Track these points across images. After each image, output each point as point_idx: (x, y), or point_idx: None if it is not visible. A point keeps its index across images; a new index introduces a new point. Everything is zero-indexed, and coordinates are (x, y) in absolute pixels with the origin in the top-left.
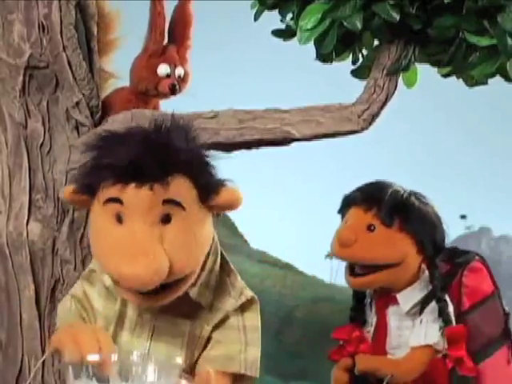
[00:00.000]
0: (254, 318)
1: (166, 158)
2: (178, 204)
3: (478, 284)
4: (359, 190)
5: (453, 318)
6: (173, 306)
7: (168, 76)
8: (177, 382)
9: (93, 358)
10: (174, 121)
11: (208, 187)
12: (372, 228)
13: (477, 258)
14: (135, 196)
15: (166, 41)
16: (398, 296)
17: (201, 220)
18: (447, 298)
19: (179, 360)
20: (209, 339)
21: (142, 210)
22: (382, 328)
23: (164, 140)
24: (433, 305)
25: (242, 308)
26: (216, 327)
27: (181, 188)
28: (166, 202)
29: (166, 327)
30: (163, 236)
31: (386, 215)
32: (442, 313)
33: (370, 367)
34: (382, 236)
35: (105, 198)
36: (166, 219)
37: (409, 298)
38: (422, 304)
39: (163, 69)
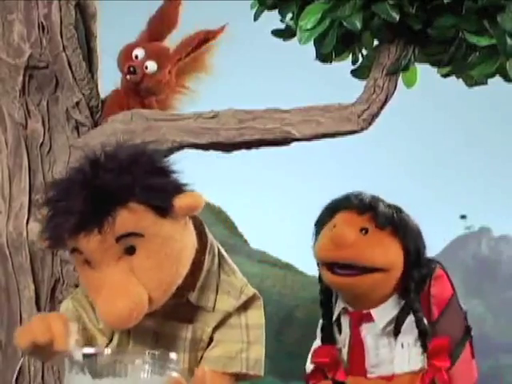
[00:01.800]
0: (257, 316)
1: (103, 201)
2: (131, 235)
3: (441, 291)
4: (347, 197)
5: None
6: (174, 311)
7: (136, 59)
8: (169, 375)
9: (87, 350)
10: (110, 152)
11: (160, 203)
12: (364, 231)
13: (438, 265)
14: (88, 244)
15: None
16: (373, 312)
17: (166, 235)
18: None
19: (173, 355)
20: (211, 339)
21: (101, 255)
22: (357, 347)
23: (97, 183)
24: (408, 322)
25: (245, 306)
26: (216, 327)
27: (129, 218)
28: (119, 238)
29: (168, 334)
30: (132, 266)
31: (383, 219)
32: (420, 324)
33: None
34: (376, 238)
35: (68, 249)
36: (130, 250)
37: (384, 313)
38: (397, 320)
39: (137, 51)
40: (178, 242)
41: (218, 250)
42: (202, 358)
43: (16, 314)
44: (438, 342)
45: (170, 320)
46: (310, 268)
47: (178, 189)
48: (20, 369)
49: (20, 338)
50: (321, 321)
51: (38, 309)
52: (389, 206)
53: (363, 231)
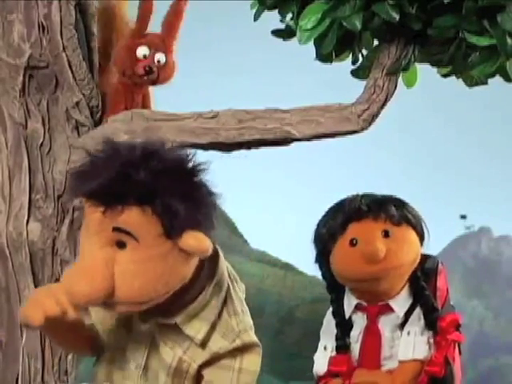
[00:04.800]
0: (252, 362)
1: (127, 189)
2: (128, 233)
3: (444, 285)
4: (352, 206)
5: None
6: (166, 331)
7: (145, 58)
8: None
9: None
10: (163, 155)
11: (169, 227)
12: (385, 233)
13: (439, 260)
14: (90, 214)
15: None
16: (392, 303)
17: (162, 255)
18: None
19: None
20: (199, 375)
21: (94, 230)
22: (373, 340)
23: (130, 172)
24: (417, 311)
25: (242, 350)
26: (205, 366)
27: (135, 219)
28: (116, 229)
29: (159, 347)
30: (115, 259)
31: (397, 216)
32: (429, 310)
33: (368, 381)
34: (399, 237)
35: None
36: (121, 245)
37: (402, 303)
38: (407, 309)
39: (142, 50)
40: (168, 266)
41: (228, 288)
42: None
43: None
44: (450, 317)
45: (162, 335)
46: (310, 268)
47: (195, 224)
48: (20, 369)
49: (30, 314)
50: (325, 323)
51: None
52: (387, 198)
53: (384, 233)
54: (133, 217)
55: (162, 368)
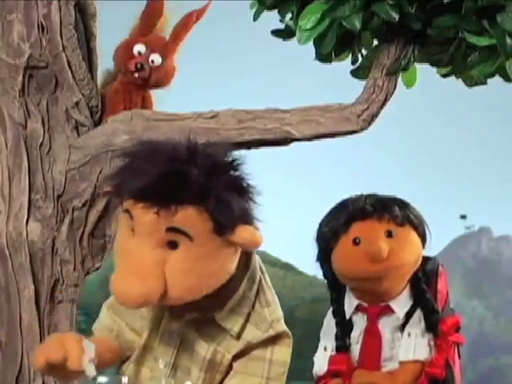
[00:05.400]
0: (283, 353)
1: (181, 188)
2: (183, 233)
3: (444, 287)
4: (357, 205)
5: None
6: (200, 325)
7: (140, 55)
8: None
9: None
10: (206, 151)
11: (223, 223)
12: (389, 233)
13: (439, 262)
14: (141, 216)
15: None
16: (392, 304)
17: (212, 252)
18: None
19: None
20: (231, 366)
21: (147, 232)
22: (374, 341)
23: (182, 170)
24: (418, 313)
25: (274, 341)
26: (238, 357)
27: (190, 218)
28: (170, 229)
29: (190, 343)
30: (166, 260)
31: (400, 217)
32: (429, 313)
33: (369, 382)
34: (402, 238)
35: (123, 207)
36: (173, 245)
37: (402, 304)
38: (408, 311)
39: (138, 48)
40: (217, 263)
41: (260, 280)
42: (221, 382)
43: (16, 314)
44: (451, 320)
45: (196, 331)
46: (310, 268)
47: (246, 218)
48: (20, 369)
49: (35, 357)
50: (325, 323)
51: (38, 309)
52: (391, 199)
53: (387, 234)
54: (188, 216)
55: (194, 363)
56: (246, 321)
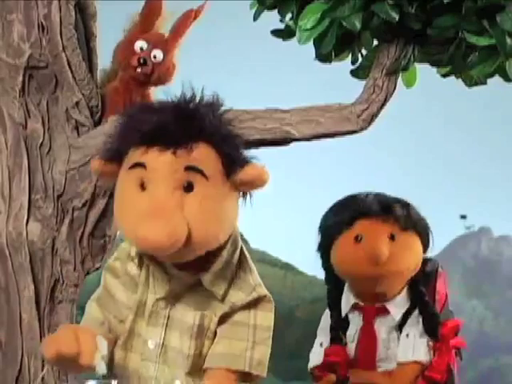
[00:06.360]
0: (266, 317)
1: (192, 125)
2: (200, 172)
3: (443, 289)
4: (363, 202)
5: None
6: (186, 293)
7: (142, 51)
8: None
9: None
10: (204, 96)
11: (233, 160)
12: (392, 237)
13: (439, 263)
14: (158, 159)
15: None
16: (388, 305)
17: (225, 194)
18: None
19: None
20: (216, 333)
21: (164, 175)
22: (369, 341)
23: (191, 109)
24: (415, 314)
25: (256, 305)
26: (222, 321)
27: (204, 156)
28: (188, 168)
29: (179, 317)
30: (184, 203)
31: (406, 221)
32: (427, 315)
33: (366, 381)
34: (404, 242)
35: (130, 163)
36: (188, 187)
37: (399, 306)
38: (405, 312)
39: (139, 43)
40: (230, 208)
41: (242, 247)
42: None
43: (16, 314)
44: (451, 323)
45: (182, 303)
46: (310, 268)
47: (246, 158)
48: (20, 369)
49: (46, 347)
50: (322, 320)
51: (38, 309)
52: (398, 201)
53: (390, 236)
54: (203, 153)
55: (184, 335)
56: (230, 284)
